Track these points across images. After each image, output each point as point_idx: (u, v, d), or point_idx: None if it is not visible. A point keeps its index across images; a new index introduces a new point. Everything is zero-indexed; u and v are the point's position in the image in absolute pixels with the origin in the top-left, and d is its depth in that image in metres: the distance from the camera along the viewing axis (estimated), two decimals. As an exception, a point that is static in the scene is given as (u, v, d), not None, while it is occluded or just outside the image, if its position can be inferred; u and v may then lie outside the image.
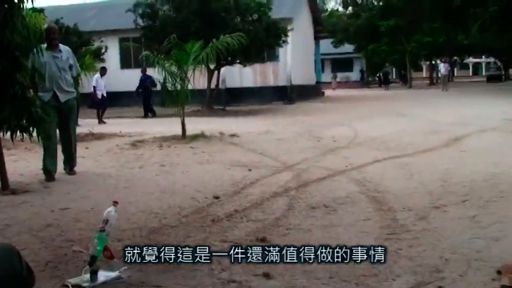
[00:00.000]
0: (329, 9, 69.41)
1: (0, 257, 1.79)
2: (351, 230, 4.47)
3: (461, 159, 8.04)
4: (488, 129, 11.60)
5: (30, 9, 9.05)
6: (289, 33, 23.38)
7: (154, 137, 11.53)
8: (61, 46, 7.63)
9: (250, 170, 7.51)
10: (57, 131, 7.62)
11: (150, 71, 12.75)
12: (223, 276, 3.43)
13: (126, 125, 15.68)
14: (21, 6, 5.83)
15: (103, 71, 18.54)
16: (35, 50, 6.60)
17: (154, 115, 19.87)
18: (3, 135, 6.57)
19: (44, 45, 7.33)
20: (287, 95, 26.94)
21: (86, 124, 14.57)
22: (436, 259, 3.64)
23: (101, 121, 17.59)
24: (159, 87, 13.55)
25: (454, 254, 3.73)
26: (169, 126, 13.01)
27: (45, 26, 8.28)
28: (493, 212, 4.92)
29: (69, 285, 3.23)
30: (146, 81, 19.82)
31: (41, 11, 16.32)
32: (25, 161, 8.87)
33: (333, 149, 9.61)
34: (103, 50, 25.70)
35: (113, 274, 3.40)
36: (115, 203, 3.57)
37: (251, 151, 9.52)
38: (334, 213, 5.05)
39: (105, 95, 18.46)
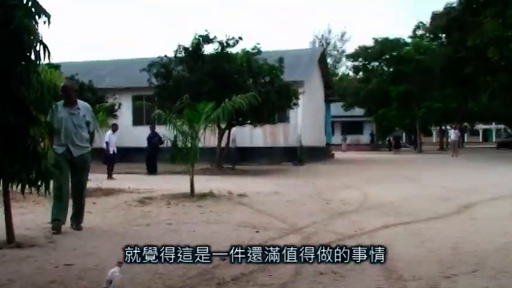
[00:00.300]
0: (340, 74, 70.60)
1: None
2: (360, 298, 4.36)
3: (472, 227, 7.93)
4: (498, 197, 11.50)
5: (47, 64, 9.27)
6: (300, 96, 23.68)
7: (163, 195, 11.52)
8: (80, 103, 7.81)
9: (257, 231, 7.44)
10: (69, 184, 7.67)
11: (161, 129, 12.91)
12: None
13: (135, 181, 15.71)
14: (38, 63, 5.95)
15: (114, 127, 18.75)
16: (50, 105, 6.69)
17: (155, 173, 19.89)
18: (13, 188, 6.58)
19: (61, 102, 7.50)
20: (297, 156, 26.99)
21: (95, 179, 14.59)
22: (447, 332, 3.53)
23: (110, 177, 17.63)
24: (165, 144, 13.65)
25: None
26: (178, 183, 13.01)
27: (63, 83, 8.45)
28: (505, 283, 4.80)
29: None
30: (154, 138, 20.02)
31: (57, 67, 16.67)
32: (32, 214, 8.86)
33: (342, 212, 9.53)
34: (116, 107, 26.11)
35: (114, 336, 3.32)
36: (120, 263, 3.53)
37: (259, 212, 9.46)
38: (342, 280, 4.95)
39: (115, 151, 18.62)
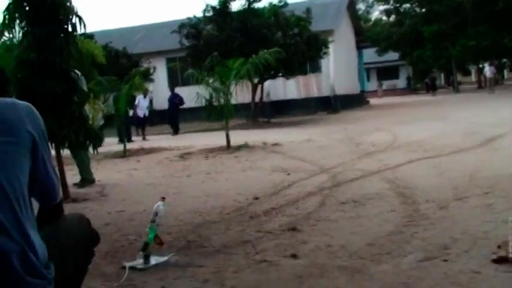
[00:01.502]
0: (373, 19, 69.49)
1: (80, 222, 2.42)
2: (375, 220, 4.93)
3: (492, 157, 8.32)
4: (525, 129, 11.75)
5: (81, 35, 9.90)
6: (330, 45, 23.89)
7: (201, 149, 12.22)
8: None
9: (289, 174, 8.04)
10: None
11: (195, 89, 13.50)
12: (257, 258, 3.97)
13: (172, 139, 16.47)
14: (75, 34, 6.58)
15: (145, 92, 19.50)
16: (90, 73, 7.35)
17: (177, 132, 20.57)
18: (63, 151, 7.31)
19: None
20: (331, 105, 27.34)
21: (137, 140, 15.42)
22: (446, 239, 4.08)
23: (144, 138, 18.46)
24: (187, 105, 14.17)
25: (463, 235, 4.15)
26: (215, 139, 13.68)
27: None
28: (510, 200, 5.28)
29: (126, 267, 3.83)
30: (175, 99, 20.75)
31: (91, 36, 17.31)
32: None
33: (371, 153, 10.02)
34: (151, 71, 26.79)
35: (163, 258, 3.99)
36: (163, 198, 4.18)
37: (291, 158, 10.05)
38: (361, 207, 5.51)
39: (147, 115, 19.45)
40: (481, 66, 55.58)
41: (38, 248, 1.88)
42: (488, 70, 36.73)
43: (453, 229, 4.36)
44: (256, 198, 6.31)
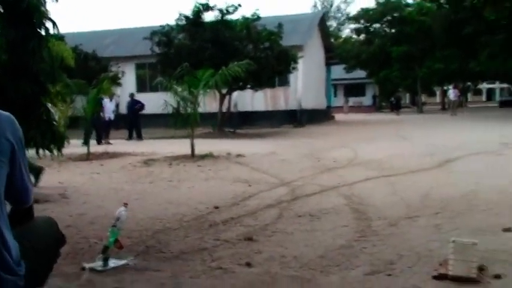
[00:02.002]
0: (344, 36, 70.58)
1: (49, 224, 2.58)
2: (328, 233, 5.15)
3: (446, 179, 8.67)
4: (481, 152, 12.17)
5: (51, 36, 9.94)
6: (300, 60, 24.27)
7: (165, 156, 12.31)
8: None
9: (250, 185, 8.23)
10: None
11: (163, 96, 13.64)
12: (213, 265, 4.13)
13: (137, 145, 16.51)
14: (48, 38, 6.67)
15: (111, 96, 19.59)
16: (59, 76, 7.43)
17: (141, 138, 20.62)
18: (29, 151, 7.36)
19: None
20: (297, 118, 27.70)
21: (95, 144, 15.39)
22: (392, 255, 4.32)
23: (106, 141, 18.45)
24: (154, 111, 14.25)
25: (409, 252, 4.40)
26: (180, 147, 13.76)
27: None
28: (457, 221, 5.57)
29: (86, 268, 3.95)
30: (135, 105, 20.88)
31: (61, 38, 17.25)
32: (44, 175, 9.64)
33: (331, 168, 10.28)
34: (120, 75, 26.76)
35: (122, 261, 4.12)
36: (125, 204, 4.32)
37: (254, 170, 10.25)
38: (317, 221, 5.73)
39: (112, 118, 19.55)
40: (445, 88, 56.95)
41: (12, 247, 2.03)
42: (452, 93, 37.69)
43: (400, 246, 4.60)
44: (217, 208, 6.48)
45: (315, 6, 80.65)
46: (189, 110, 12.72)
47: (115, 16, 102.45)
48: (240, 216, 5.96)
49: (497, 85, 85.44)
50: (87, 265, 4.02)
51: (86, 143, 14.37)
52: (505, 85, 75.33)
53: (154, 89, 24.08)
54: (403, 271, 3.94)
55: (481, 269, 3.83)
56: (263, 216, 5.98)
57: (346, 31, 72.65)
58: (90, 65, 24.41)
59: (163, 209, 6.56)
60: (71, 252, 4.47)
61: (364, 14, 49.10)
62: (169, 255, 4.43)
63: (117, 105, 23.73)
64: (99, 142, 18.09)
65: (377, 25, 49.89)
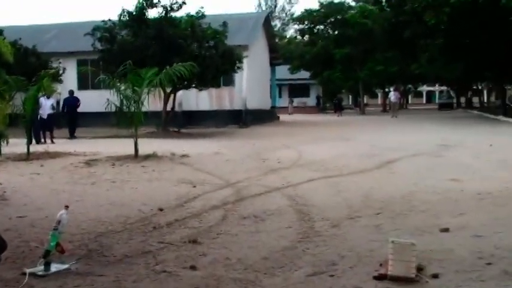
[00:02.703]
0: (288, 37, 71.30)
1: None
2: (272, 235, 5.21)
3: (387, 180, 8.90)
4: (420, 154, 12.56)
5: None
6: (245, 60, 24.32)
7: (108, 157, 12.10)
8: None
9: (194, 186, 8.21)
10: None
11: (106, 94, 13.36)
12: (157, 268, 4.12)
13: (80, 144, 16.19)
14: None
15: (50, 93, 18.85)
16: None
17: (74, 136, 20.26)
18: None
19: None
20: (242, 118, 27.76)
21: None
22: (334, 256, 4.42)
23: (49, 141, 17.88)
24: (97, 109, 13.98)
25: (351, 252, 4.51)
26: (124, 146, 13.54)
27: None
28: (397, 222, 5.74)
29: (26, 273, 3.86)
30: (74, 102, 20.46)
31: (0, 32, 16.74)
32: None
33: (276, 169, 10.37)
34: (61, 72, 26.10)
35: (64, 266, 4.05)
36: (66, 207, 4.25)
37: (199, 170, 10.22)
38: (261, 223, 5.79)
39: (45, 117, 18.70)
40: (387, 90, 58.35)
41: None
42: (392, 95, 38.59)
43: (342, 246, 4.71)
44: (161, 210, 6.44)
45: (259, 5, 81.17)
46: (132, 109, 12.54)
47: (57, 10, 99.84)
48: (184, 218, 5.95)
49: (436, 88, 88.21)
50: (27, 270, 3.93)
51: (29, 142, 13.94)
52: (444, 88, 77.91)
53: (96, 86, 23.58)
54: (345, 271, 4.04)
55: (419, 268, 3.98)
56: (208, 218, 5.99)
57: (291, 31, 73.48)
58: (30, 61, 23.67)
59: (105, 210, 6.47)
60: (11, 257, 4.36)
61: (308, 16, 49.68)
62: (113, 259, 4.39)
63: (57, 103, 23.11)
64: (37, 142, 17.55)
65: (321, 27, 50.59)
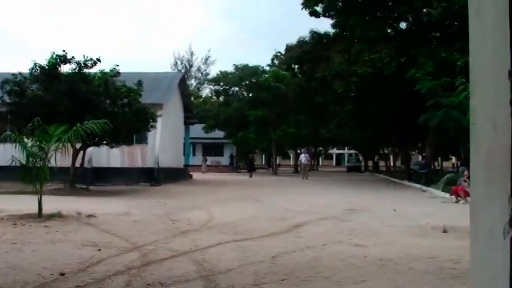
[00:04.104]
0: (203, 96, 72.14)
1: None
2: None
3: (295, 244, 9.03)
4: (328, 218, 12.90)
5: None
6: (159, 118, 24.31)
7: (10, 215, 11.57)
8: None
9: (99, 249, 7.97)
10: None
11: (12, 148, 12.91)
12: None
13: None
14: None
15: None
16: None
17: None
18: None
19: None
20: (154, 176, 27.46)
21: None
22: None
23: None
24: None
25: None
26: (28, 203, 13.01)
27: None
28: (300, 288, 5.82)
29: None
30: None
31: None
32: None
33: (185, 231, 10.29)
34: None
35: None
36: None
37: (105, 232, 9.95)
38: (166, 289, 5.70)
39: None
40: (298, 151, 59.90)
41: None
42: (303, 157, 39.68)
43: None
44: (62, 274, 6.20)
45: (175, 64, 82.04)
46: (38, 164, 12.16)
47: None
48: (86, 285, 5.75)
49: (346, 151, 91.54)
50: None
51: None
52: (353, 151, 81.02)
53: (2, 140, 22.72)
54: None
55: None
56: (111, 285, 5.83)
57: (206, 91, 74.46)
58: None
59: (3, 275, 6.15)
60: None
61: (223, 77, 50.74)
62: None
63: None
64: None
65: (235, 88, 51.68)
